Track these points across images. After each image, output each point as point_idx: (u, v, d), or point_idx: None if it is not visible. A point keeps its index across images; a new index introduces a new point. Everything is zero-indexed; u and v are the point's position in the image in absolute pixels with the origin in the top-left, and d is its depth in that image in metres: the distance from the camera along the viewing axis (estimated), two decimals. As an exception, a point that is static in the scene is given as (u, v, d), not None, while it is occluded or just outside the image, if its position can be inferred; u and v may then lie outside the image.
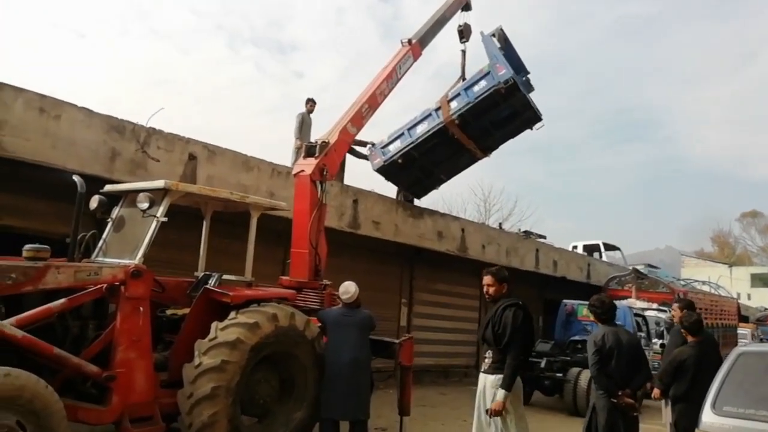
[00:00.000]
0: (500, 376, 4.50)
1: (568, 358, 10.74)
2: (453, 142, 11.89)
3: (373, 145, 11.94)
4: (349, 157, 11.65)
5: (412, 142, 11.62)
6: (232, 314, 5.17)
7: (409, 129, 11.76)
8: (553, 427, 9.20)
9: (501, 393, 4.42)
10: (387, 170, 11.93)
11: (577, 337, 11.61)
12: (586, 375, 9.54)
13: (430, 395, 10.96)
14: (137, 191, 5.20)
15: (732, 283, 37.70)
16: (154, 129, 8.06)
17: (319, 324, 5.83)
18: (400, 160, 11.69)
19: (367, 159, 12.04)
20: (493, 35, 12.06)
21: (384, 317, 11.80)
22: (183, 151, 8.37)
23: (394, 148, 11.79)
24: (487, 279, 4.91)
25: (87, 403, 4.72)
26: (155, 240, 5.21)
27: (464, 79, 12.02)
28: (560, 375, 10.41)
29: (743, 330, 21.39)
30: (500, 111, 11.79)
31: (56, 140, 7.14)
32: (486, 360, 4.73)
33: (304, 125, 11.22)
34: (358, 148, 11.90)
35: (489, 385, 4.58)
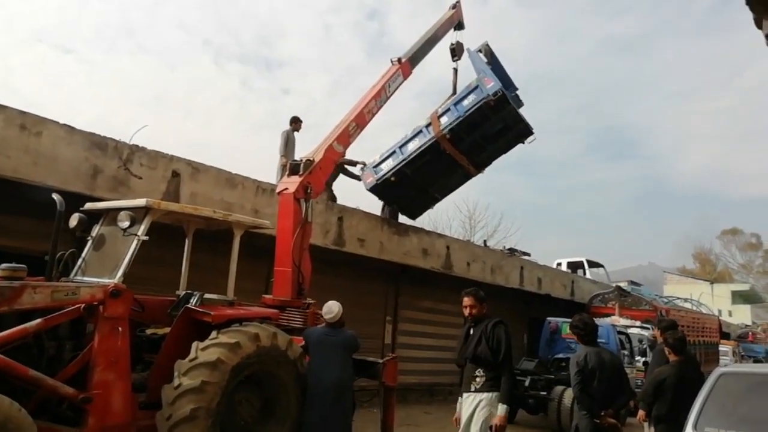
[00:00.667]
0: (496, 393, 4.53)
1: (552, 377, 10.75)
2: (445, 158, 11.91)
3: (365, 165, 11.95)
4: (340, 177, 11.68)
5: (404, 159, 11.60)
6: (213, 334, 5.11)
7: (400, 147, 11.78)
8: (538, 447, 9.18)
9: (503, 408, 4.48)
10: (380, 189, 11.89)
11: (561, 355, 11.64)
12: (570, 393, 9.54)
13: (415, 414, 10.88)
14: (118, 209, 5.15)
15: (713, 300, 38.13)
16: (137, 146, 8.02)
17: (302, 344, 5.78)
18: (392, 178, 11.66)
19: (359, 179, 12.02)
20: (480, 51, 12.23)
21: (369, 335, 11.75)
22: (166, 168, 8.32)
23: (386, 166, 11.75)
24: (468, 300, 4.90)
25: (63, 425, 4.62)
26: (136, 257, 5.16)
27: (455, 95, 12.15)
28: (544, 393, 10.41)
29: (725, 347, 21.61)
30: (491, 125, 11.88)
31: (37, 157, 7.06)
32: (477, 378, 4.68)
33: (289, 143, 11.20)
34: (350, 168, 11.90)
35: (485, 403, 4.56)
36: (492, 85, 11.19)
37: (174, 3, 71.73)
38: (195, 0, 69.66)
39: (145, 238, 5.15)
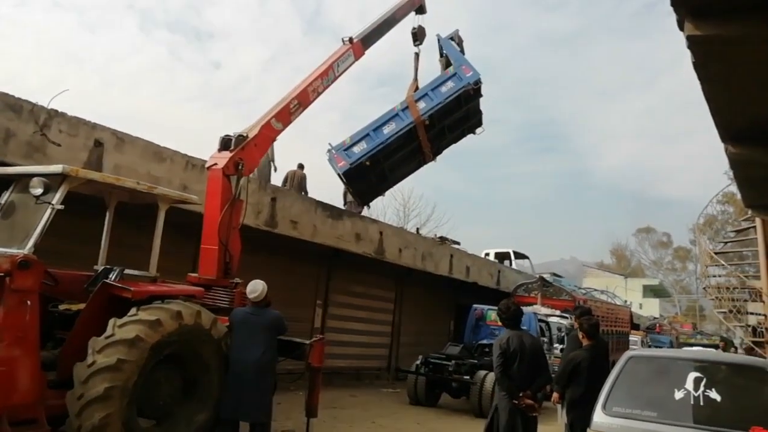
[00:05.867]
0: None
1: (476, 361, 11.08)
2: (414, 144, 11.96)
3: (331, 146, 11.76)
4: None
5: (381, 143, 11.49)
6: (133, 311, 4.89)
7: (374, 130, 11.64)
8: (458, 428, 9.45)
9: None
10: (353, 173, 11.74)
11: (485, 341, 12.01)
12: (491, 378, 9.88)
13: (341, 397, 10.92)
14: (31, 175, 4.80)
15: (626, 293, 40.56)
16: (56, 111, 7.48)
17: (227, 324, 5.64)
18: (367, 163, 11.55)
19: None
20: (452, 39, 12.32)
21: (298, 318, 11.65)
22: (88, 137, 7.83)
23: (359, 150, 11.60)
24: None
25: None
26: (53, 230, 4.84)
27: (416, 81, 12.21)
28: (467, 377, 10.71)
29: (634, 337, 23.03)
30: (458, 114, 12.07)
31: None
32: None
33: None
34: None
35: None
36: (471, 74, 11.41)
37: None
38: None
39: (60, 207, 4.83)
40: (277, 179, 12.30)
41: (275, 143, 11.30)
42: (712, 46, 4.02)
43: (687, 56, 4.18)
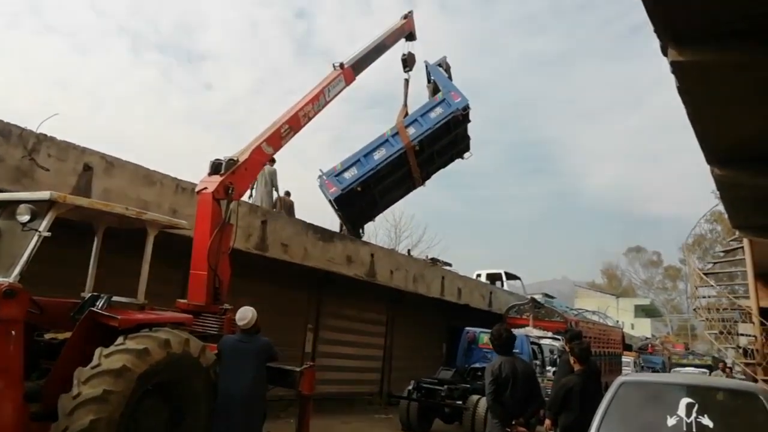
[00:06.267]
0: None
1: (468, 386, 10.98)
2: (404, 170, 12.08)
3: (322, 172, 11.82)
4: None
5: (372, 169, 11.60)
6: (120, 340, 4.80)
7: (365, 155, 11.75)
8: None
9: None
10: (344, 199, 11.79)
11: (477, 365, 11.91)
12: (484, 403, 9.76)
13: (333, 424, 10.76)
14: (18, 202, 4.75)
15: (618, 313, 40.61)
16: (45, 135, 7.46)
17: (216, 351, 5.56)
18: (359, 188, 11.61)
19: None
20: (440, 65, 12.52)
21: (288, 343, 11.53)
22: (77, 161, 7.80)
23: (350, 176, 11.69)
24: None
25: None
26: (40, 256, 4.77)
27: (406, 106, 12.37)
28: (460, 402, 10.60)
29: (627, 358, 22.99)
30: (447, 139, 12.23)
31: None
32: None
33: (275, 176, 11.73)
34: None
35: None
36: (460, 100, 11.64)
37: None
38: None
39: (47, 234, 4.77)
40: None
41: (278, 170, 11.69)
42: (694, 71, 4.11)
43: (672, 76, 4.26)
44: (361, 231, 13.77)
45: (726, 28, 3.76)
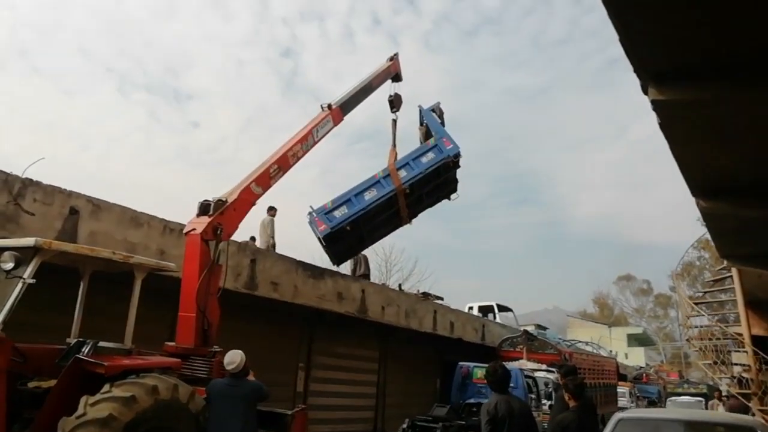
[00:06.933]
0: None
1: (463, 422, 10.79)
2: (393, 209, 12.21)
3: (312, 209, 11.90)
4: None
5: (362, 209, 11.71)
6: (106, 387, 4.69)
7: (355, 195, 11.86)
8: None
9: None
10: (333, 237, 11.85)
11: (472, 400, 11.76)
12: (480, 439, 9.59)
13: (325, 466, 10.48)
14: (2, 249, 4.69)
15: (611, 343, 40.43)
16: (30, 180, 7.41)
17: (205, 396, 5.45)
18: (348, 227, 11.68)
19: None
20: (433, 110, 12.79)
21: (280, 383, 11.31)
22: (63, 205, 7.73)
23: (340, 214, 11.78)
24: None
25: None
26: (24, 301, 4.68)
27: (395, 147, 12.58)
28: (456, 440, 10.39)
29: (622, 389, 22.78)
30: (437, 182, 12.43)
31: None
32: None
33: (271, 226, 12.25)
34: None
35: None
36: (452, 147, 11.89)
37: (73, 26, 69.03)
38: (96, 24, 67.41)
39: (32, 281, 4.70)
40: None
41: (276, 221, 11.89)
42: (674, 109, 4.20)
43: (650, 108, 4.34)
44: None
45: (700, 68, 3.87)
